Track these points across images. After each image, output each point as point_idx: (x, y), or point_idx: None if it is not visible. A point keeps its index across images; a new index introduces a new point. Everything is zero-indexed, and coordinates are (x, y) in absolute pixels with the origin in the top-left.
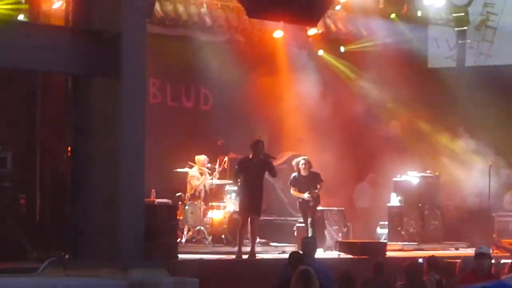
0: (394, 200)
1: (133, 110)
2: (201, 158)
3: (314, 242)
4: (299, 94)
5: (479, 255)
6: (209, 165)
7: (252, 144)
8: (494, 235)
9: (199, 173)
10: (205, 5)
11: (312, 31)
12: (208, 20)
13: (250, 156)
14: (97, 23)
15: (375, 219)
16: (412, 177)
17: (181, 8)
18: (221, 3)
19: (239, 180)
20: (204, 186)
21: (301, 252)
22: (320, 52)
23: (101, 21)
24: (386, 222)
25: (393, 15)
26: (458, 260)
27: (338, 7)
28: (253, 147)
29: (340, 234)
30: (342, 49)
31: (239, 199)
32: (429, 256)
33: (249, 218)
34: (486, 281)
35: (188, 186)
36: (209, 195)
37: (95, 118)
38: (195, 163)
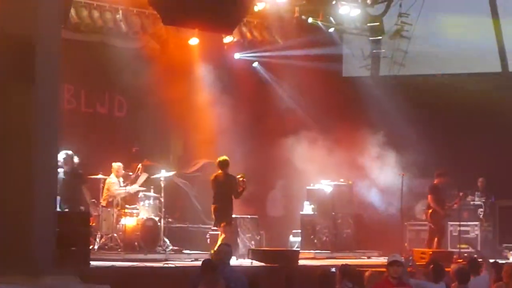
0: (307, 209)
1: (47, 115)
2: (116, 165)
3: (230, 250)
4: (214, 101)
5: (391, 263)
6: (123, 171)
7: (227, 162)
8: (405, 244)
9: (117, 180)
10: (120, 12)
11: (227, 39)
12: (123, 26)
13: (221, 172)
14: (12, 28)
15: (288, 227)
16: (325, 185)
17: (96, 14)
18: (136, 9)
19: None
20: (120, 193)
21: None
22: (237, 56)
23: (16, 26)
24: (299, 230)
25: (310, 19)
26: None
27: (256, 8)
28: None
29: (253, 242)
30: (255, 64)
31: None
32: (342, 265)
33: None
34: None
35: (105, 193)
36: (123, 202)
37: (8, 124)
38: (111, 170)
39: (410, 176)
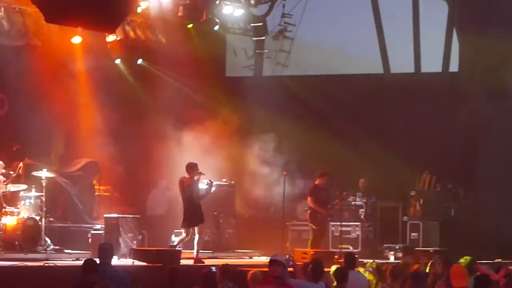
0: None
1: None
2: None
3: (111, 249)
4: (96, 99)
5: (272, 262)
6: (3, 170)
7: (194, 165)
8: (287, 244)
9: None
10: (2, 9)
11: (110, 38)
12: (5, 24)
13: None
14: None
15: (170, 226)
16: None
17: None
18: (19, 7)
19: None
20: None
21: (95, 259)
22: (117, 61)
23: None
24: (182, 230)
25: (190, 26)
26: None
27: (139, 10)
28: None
29: (135, 242)
30: (139, 61)
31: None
32: (222, 265)
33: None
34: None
35: None
36: (2, 201)
37: None
38: None
39: (293, 176)
